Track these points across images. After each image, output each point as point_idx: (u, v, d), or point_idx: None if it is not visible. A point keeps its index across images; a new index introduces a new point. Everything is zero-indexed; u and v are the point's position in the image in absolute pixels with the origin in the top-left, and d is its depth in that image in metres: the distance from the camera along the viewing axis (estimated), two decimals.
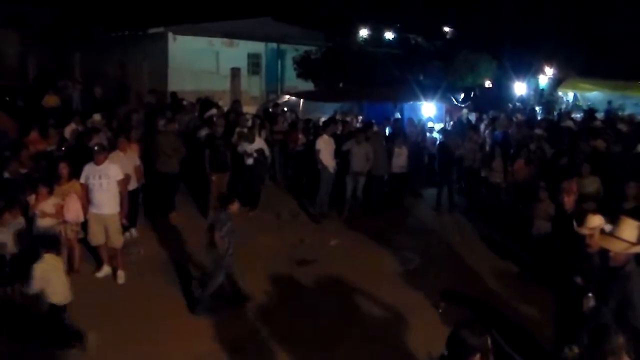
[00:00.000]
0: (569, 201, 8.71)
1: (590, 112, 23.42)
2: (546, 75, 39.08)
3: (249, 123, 15.73)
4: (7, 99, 20.88)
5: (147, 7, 34.29)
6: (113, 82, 27.88)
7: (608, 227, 6.43)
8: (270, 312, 8.99)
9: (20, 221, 9.06)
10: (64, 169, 9.90)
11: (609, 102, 29.59)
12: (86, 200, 9.79)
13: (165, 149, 12.85)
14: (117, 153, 11.25)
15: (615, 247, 6.02)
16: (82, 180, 9.79)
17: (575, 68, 35.62)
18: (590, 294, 6.31)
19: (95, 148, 10.22)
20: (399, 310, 9.05)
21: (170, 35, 29.12)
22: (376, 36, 40.32)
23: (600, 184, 11.38)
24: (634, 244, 5.96)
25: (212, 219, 9.43)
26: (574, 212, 8.56)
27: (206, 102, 19.58)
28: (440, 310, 9.06)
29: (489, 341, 4.09)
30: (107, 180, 9.70)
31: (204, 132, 14.40)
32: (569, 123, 20.03)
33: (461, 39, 41.12)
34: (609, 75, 32.65)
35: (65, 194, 9.73)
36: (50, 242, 7.94)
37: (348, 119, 19.35)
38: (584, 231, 6.77)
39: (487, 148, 15.85)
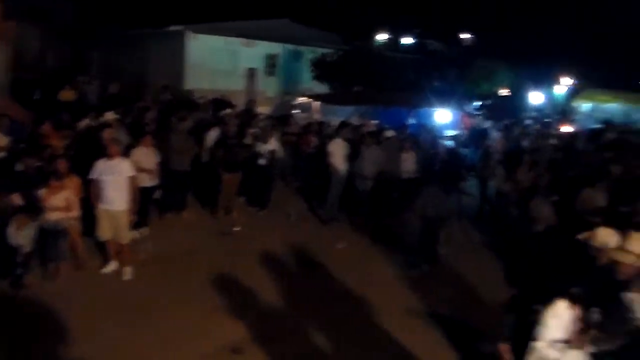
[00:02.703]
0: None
1: (606, 124, 23.29)
2: (564, 85, 39.04)
3: (263, 124, 15.78)
4: (25, 92, 21.01)
5: (166, 5, 34.48)
6: (131, 79, 28.01)
7: (616, 240, 6.41)
8: (273, 314, 8.96)
9: (34, 224, 9.30)
10: (61, 164, 9.98)
11: (627, 115, 29.45)
12: (97, 195, 9.85)
13: (177, 147, 12.89)
14: (142, 149, 11.48)
15: (626, 260, 6.03)
16: (93, 175, 9.82)
17: (593, 79, 35.45)
18: (594, 308, 6.27)
19: (110, 139, 10.36)
20: (403, 316, 9.03)
21: (189, 33, 29.35)
22: (394, 41, 40.32)
23: (607, 197, 11.21)
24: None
25: None
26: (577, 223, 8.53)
27: (220, 102, 19.66)
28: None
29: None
30: (119, 177, 9.76)
31: (216, 132, 14.42)
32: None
33: (479, 47, 41.10)
34: (628, 87, 32.52)
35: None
36: None
37: (362, 122, 19.32)
38: (595, 244, 6.73)
39: (498, 156, 15.78)
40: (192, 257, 10.90)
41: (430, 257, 11.52)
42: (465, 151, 18.20)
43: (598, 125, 24.53)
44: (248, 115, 16.75)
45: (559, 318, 5.34)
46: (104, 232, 9.91)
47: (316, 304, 9.43)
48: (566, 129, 23.80)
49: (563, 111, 31.77)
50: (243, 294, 9.45)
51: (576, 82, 38.58)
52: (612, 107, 31.50)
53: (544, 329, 5.35)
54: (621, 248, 6.16)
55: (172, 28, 29.94)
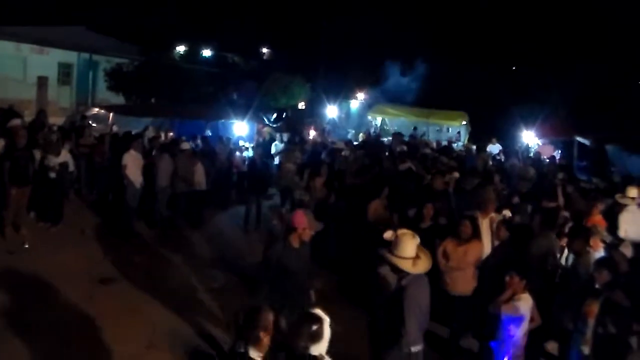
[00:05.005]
0: None
1: (396, 136, 24.93)
2: (357, 100, 41.00)
3: (54, 135, 15.28)
4: None
5: None
6: None
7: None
8: (67, 333, 8.71)
9: None
10: None
11: (415, 128, 31.59)
12: None
13: None
14: None
15: (400, 265, 6.45)
16: None
17: (384, 94, 37.47)
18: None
19: None
20: (201, 327, 9.20)
21: None
22: (193, 53, 40.22)
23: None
24: (403, 257, 6.42)
25: None
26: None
27: (8, 112, 18.73)
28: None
29: None
30: None
31: (2, 143, 13.77)
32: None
33: (277, 60, 41.98)
34: (414, 103, 34.84)
35: None
36: None
37: (157, 134, 19.26)
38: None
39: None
40: None
41: None
42: (267, 162, 18.65)
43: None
44: (38, 126, 16.09)
45: None
46: None
47: (114, 320, 9.17)
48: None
49: (314, 121, 33.02)
50: (35, 315, 9.11)
51: (368, 97, 40.67)
52: (401, 121, 33.63)
53: None
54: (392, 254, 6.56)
55: None
